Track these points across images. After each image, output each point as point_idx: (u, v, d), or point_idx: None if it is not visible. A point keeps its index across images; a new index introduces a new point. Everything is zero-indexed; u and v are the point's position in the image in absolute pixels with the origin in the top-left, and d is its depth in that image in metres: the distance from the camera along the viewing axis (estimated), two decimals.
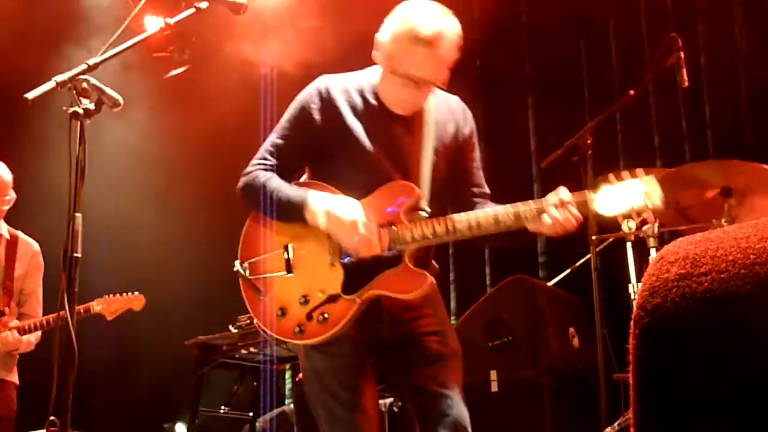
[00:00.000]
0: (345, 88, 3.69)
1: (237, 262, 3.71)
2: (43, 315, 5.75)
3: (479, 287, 7.34)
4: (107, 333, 7.26)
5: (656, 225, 5.27)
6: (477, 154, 3.85)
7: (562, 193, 3.47)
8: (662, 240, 5.37)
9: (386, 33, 3.56)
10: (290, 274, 3.61)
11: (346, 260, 3.56)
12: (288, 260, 3.61)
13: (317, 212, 3.52)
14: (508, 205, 3.55)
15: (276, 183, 3.61)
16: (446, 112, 3.78)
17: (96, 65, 3.37)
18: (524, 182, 7.58)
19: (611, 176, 3.55)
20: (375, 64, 3.69)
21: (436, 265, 3.88)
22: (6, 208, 5.64)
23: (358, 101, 3.66)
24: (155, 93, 8.70)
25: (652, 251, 5.26)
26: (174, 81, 8.79)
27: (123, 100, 3.34)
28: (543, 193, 7.43)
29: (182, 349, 6.88)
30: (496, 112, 7.94)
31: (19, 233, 5.80)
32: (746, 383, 0.96)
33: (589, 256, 5.38)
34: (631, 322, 1.06)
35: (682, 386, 1.00)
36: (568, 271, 6.36)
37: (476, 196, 3.80)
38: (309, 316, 3.53)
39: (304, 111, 3.67)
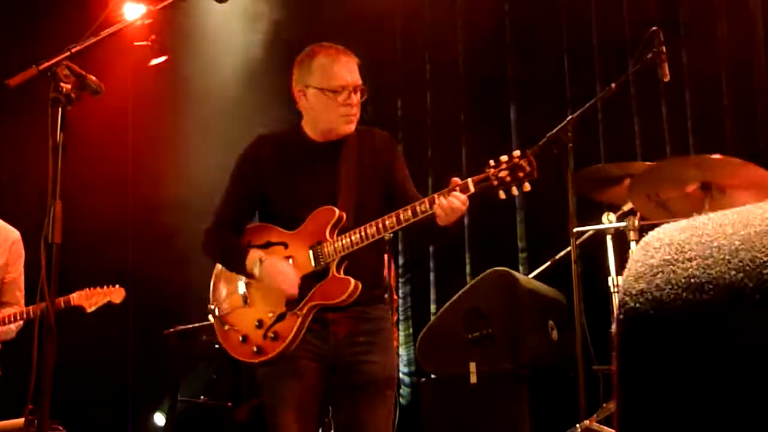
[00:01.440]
0: (272, 140, 4.25)
1: (209, 305, 4.29)
2: (26, 302, 5.71)
3: (459, 279, 7.35)
4: (86, 322, 7.24)
5: (637, 218, 5.30)
6: (404, 171, 4.27)
7: (451, 183, 3.81)
8: (642, 233, 5.40)
9: (305, 77, 4.11)
10: (247, 306, 4.15)
11: None
12: (244, 295, 4.16)
13: (252, 266, 4.05)
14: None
15: (223, 243, 4.21)
16: (367, 141, 4.23)
17: (77, 51, 3.36)
18: None
19: (490, 161, 3.78)
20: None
21: (386, 284, 4.36)
22: None
23: (283, 149, 4.19)
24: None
25: (632, 244, 5.29)
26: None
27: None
28: None
29: (162, 338, 6.87)
30: (477, 103, 7.95)
31: None
32: (731, 368, 0.96)
33: (569, 249, 5.39)
34: (615, 307, 1.06)
35: (666, 371, 1.00)
36: (548, 263, 6.37)
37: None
38: (264, 336, 4.04)
39: (239, 170, 4.25)
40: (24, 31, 7.94)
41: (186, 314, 7.16)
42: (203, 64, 8.68)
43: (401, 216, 3.82)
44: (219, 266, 4.33)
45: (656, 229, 1.11)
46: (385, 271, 4.34)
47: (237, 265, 4.11)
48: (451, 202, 3.71)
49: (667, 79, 5.27)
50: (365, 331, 4.05)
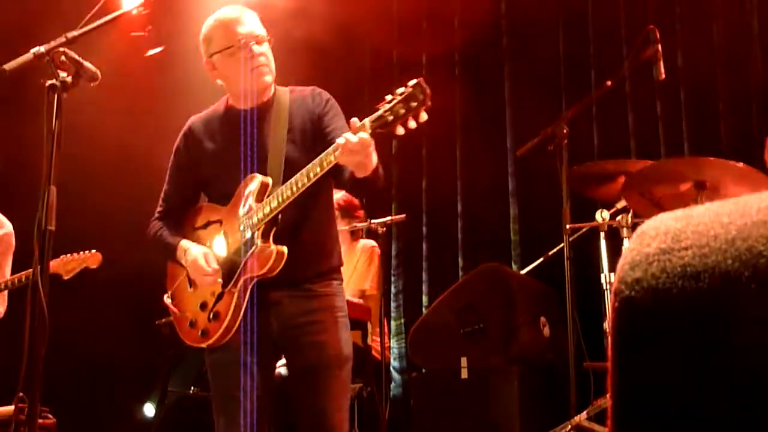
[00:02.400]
0: (203, 118, 4.17)
1: (165, 295, 4.20)
2: (14, 296, 5.69)
3: (452, 274, 7.36)
4: (77, 311, 7.24)
5: (630, 215, 5.31)
6: (339, 121, 3.99)
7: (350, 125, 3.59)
8: (635, 230, 5.40)
9: (207, 46, 4.04)
10: (192, 289, 4.05)
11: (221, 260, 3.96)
12: (188, 278, 4.06)
13: (182, 260, 4.01)
14: None
15: (160, 235, 4.15)
16: (297, 100, 4.08)
17: (74, 38, 3.36)
18: (500, 171, 7.61)
19: (386, 97, 3.49)
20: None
21: (337, 259, 4.11)
22: None
23: (211, 124, 4.12)
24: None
25: (625, 242, 5.30)
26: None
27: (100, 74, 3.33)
28: (519, 181, 7.48)
29: (153, 328, 6.85)
30: (472, 100, 7.95)
31: None
32: (727, 357, 0.96)
33: (562, 245, 5.40)
34: (610, 299, 1.06)
35: (661, 360, 1.00)
36: (540, 260, 6.38)
37: None
38: (208, 318, 3.93)
39: (176, 154, 4.19)
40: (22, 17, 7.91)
41: None
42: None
43: (309, 171, 3.64)
44: None
45: (652, 218, 1.11)
46: (337, 246, 4.12)
47: (171, 257, 4.09)
48: (348, 145, 3.45)
49: (662, 77, 5.28)
50: (310, 310, 3.90)
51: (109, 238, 8.26)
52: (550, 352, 6.00)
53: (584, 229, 5.76)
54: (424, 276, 7.88)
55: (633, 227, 5.32)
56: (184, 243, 4.02)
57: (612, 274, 5.35)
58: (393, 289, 8.04)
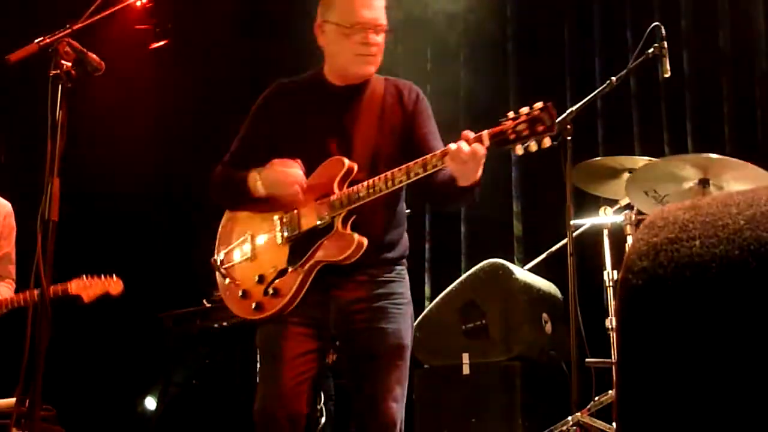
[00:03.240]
0: (295, 86, 4.03)
1: (213, 257, 4.06)
2: (20, 279, 5.67)
3: (454, 270, 7.35)
4: (77, 304, 7.23)
5: (634, 212, 5.30)
6: (431, 127, 3.97)
7: (462, 135, 3.52)
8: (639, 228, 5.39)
9: (324, 11, 3.88)
10: (250, 260, 3.94)
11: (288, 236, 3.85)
12: (250, 247, 3.95)
13: (256, 179, 3.81)
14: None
15: (227, 173, 3.97)
16: (392, 92, 3.98)
17: (78, 28, 3.35)
18: (503, 167, 7.60)
19: (509, 113, 3.50)
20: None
21: (405, 243, 4.03)
22: None
23: (302, 93, 3.98)
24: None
25: (629, 239, 5.29)
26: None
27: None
28: (522, 177, 7.46)
29: (156, 321, 6.86)
30: (476, 95, 7.94)
31: None
32: (734, 346, 0.96)
33: (565, 241, 5.39)
34: (618, 285, 1.05)
35: (668, 349, 0.99)
36: (543, 256, 6.37)
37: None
38: (265, 292, 3.83)
39: (257, 113, 4.04)
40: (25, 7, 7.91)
41: (180, 298, 7.16)
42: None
43: (411, 170, 3.55)
44: (226, 216, 4.10)
45: (660, 208, 1.11)
46: (404, 235, 4.02)
47: (241, 193, 3.87)
48: (464, 156, 3.41)
49: (667, 74, 5.28)
50: (372, 297, 3.81)
51: (110, 227, 8.28)
52: (552, 349, 5.99)
53: (587, 226, 5.75)
54: (426, 272, 7.87)
55: (637, 224, 5.31)
56: (256, 170, 3.84)
57: (615, 272, 5.34)
58: None
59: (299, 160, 3.82)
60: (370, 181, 3.66)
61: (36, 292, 5.30)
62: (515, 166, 7.60)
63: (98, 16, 3.49)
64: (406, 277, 3.99)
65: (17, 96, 7.45)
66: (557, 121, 5.12)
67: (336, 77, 3.94)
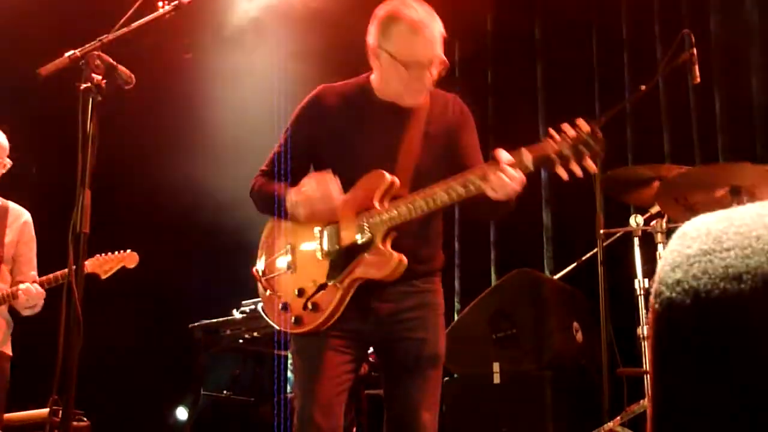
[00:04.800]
0: (339, 94, 3.96)
1: (255, 266, 4.03)
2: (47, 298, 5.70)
3: (484, 279, 7.34)
4: (111, 314, 7.27)
5: (665, 221, 5.27)
6: (473, 141, 3.98)
7: (499, 155, 3.47)
8: (670, 236, 5.37)
9: (381, 38, 3.78)
10: (291, 272, 3.91)
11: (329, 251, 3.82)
12: (290, 259, 3.92)
13: (292, 195, 3.80)
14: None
15: (267, 185, 3.95)
16: (439, 105, 3.95)
17: (109, 42, 3.37)
18: (533, 175, 7.57)
19: (550, 130, 3.43)
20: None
21: (441, 256, 4.04)
22: (2, 171, 5.58)
23: (349, 103, 3.92)
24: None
25: (660, 247, 5.26)
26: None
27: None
28: (552, 186, 7.44)
29: (186, 332, 6.89)
30: (505, 103, 7.93)
31: (9, 203, 5.73)
32: None
33: (595, 250, 5.37)
34: (651, 297, 1.04)
35: (702, 362, 0.99)
36: (574, 264, 6.35)
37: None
38: (305, 307, 3.80)
39: (299, 119, 3.98)
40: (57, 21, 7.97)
41: (211, 309, 7.18)
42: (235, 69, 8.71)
43: (452, 189, 3.53)
44: (269, 226, 4.05)
45: (693, 219, 1.10)
46: (440, 247, 4.02)
47: (279, 210, 3.85)
48: (504, 181, 3.38)
49: (697, 81, 5.26)
50: (410, 307, 3.81)
51: (141, 239, 8.32)
52: (583, 358, 5.97)
53: (618, 234, 5.72)
54: (456, 281, 7.87)
55: (667, 233, 5.28)
56: (294, 193, 3.80)
57: (646, 280, 5.31)
58: None
59: (337, 174, 3.79)
60: (411, 199, 3.64)
61: (59, 274, 5.36)
62: (545, 174, 7.58)
63: (128, 29, 3.51)
64: (441, 288, 3.99)
65: (51, 109, 7.50)
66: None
67: (384, 93, 3.89)
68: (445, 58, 3.79)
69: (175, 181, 8.64)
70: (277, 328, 3.92)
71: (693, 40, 5.24)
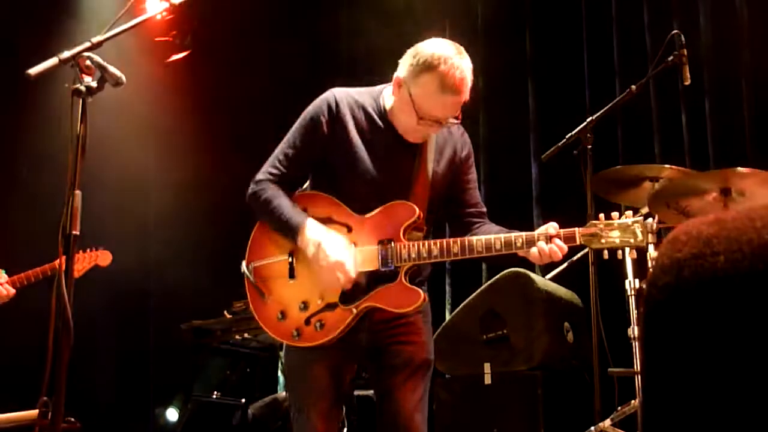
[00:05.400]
0: (354, 103, 3.83)
1: (243, 264, 3.90)
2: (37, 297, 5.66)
3: (474, 280, 7.34)
4: (100, 315, 7.26)
5: (655, 221, 5.28)
6: (473, 175, 4.02)
7: (551, 228, 3.60)
8: (660, 237, 5.37)
9: (411, 76, 3.68)
10: (292, 280, 3.80)
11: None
12: (291, 266, 3.80)
13: (309, 242, 3.69)
14: (501, 233, 3.70)
15: (278, 201, 3.77)
16: (446, 137, 3.94)
17: (99, 43, 3.36)
18: (524, 175, 7.59)
19: (601, 216, 3.62)
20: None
21: (429, 267, 4.04)
22: None
23: (365, 119, 3.81)
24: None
25: (650, 247, 5.26)
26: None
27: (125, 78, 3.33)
28: (543, 186, 7.44)
29: (176, 333, 6.87)
30: (497, 105, 7.94)
31: None
32: (760, 363, 0.95)
33: (586, 250, 5.37)
34: (642, 300, 1.05)
35: (693, 365, 0.99)
36: (564, 265, 6.35)
37: (473, 215, 3.97)
38: (307, 321, 3.75)
39: (312, 123, 3.81)
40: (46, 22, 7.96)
41: (201, 310, 7.16)
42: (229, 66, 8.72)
43: (494, 244, 3.59)
44: (261, 225, 3.93)
45: (684, 223, 1.10)
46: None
47: (288, 233, 3.74)
48: (553, 251, 3.52)
49: (688, 82, 5.27)
50: (401, 313, 3.79)
51: (132, 239, 8.31)
52: (573, 358, 5.97)
53: None
54: (447, 281, 7.86)
55: (657, 233, 5.28)
56: (314, 228, 3.71)
57: (636, 281, 5.32)
58: None
59: (344, 186, 3.80)
60: (445, 244, 3.66)
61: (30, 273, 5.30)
62: (536, 175, 7.59)
63: (119, 30, 3.50)
64: (427, 297, 3.95)
65: (39, 110, 7.49)
66: (576, 131, 5.15)
67: (394, 120, 3.81)
68: (458, 118, 3.76)
69: (166, 178, 8.64)
70: (271, 335, 3.86)
71: (683, 41, 5.24)
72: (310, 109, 3.87)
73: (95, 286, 5.71)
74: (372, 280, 3.72)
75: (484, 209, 4.01)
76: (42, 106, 7.11)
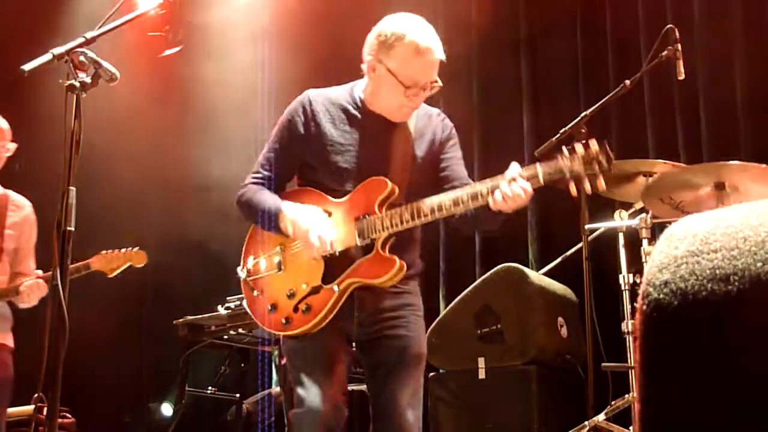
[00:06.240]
0: (327, 101, 4.00)
1: (239, 269, 4.05)
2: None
3: (469, 275, 7.33)
4: (95, 311, 7.25)
5: (649, 216, 5.29)
6: (456, 153, 4.07)
7: (512, 168, 3.60)
8: (654, 232, 5.38)
9: (384, 54, 3.84)
10: (280, 272, 3.93)
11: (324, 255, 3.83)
12: (279, 259, 3.94)
13: (287, 222, 3.83)
14: (468, 185, 3.74)
15: (258, 196, 3.95)
16: (426, 121, 4.03)
17: (93, 38, 3.36)
18: None
19: (564, 149, 3.53)
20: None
21: (420, 262, 4.10)
22: (6, 155, 5.43)
23: (340, 112, 3.97)
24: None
25: (645, 242, 5.27)
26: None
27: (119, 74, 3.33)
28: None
29: (171, 328, 6.87)
30: (490, 101, 7.93)
31: (10, 192, 5.58)
32: (757, 360, 0.95)
33: (580, 245, 5.38)
34: (639, 299, 1.05)
35: (690, 362, 0.99)
36: (558, 260, 6.36)
37: (459, 188, 3.91)
38: (295, 308, 3.84)
39: (289, 124, 3.99)
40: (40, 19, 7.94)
41: (195, 305, 7.16)
42: (216, 54, 8.69)
43: (460, 198, 3.61)
44: (254, 226, 4.06)
45: (680, 220, 1.10)
46: (419, 249, 4.08)
47: (270, 222, 3.88)
48: (516, 192, 3.49)
49: (682, 76, 5.27)
50: (391, 308, 3.88)
51: (126, 236, 8.30)
52: (567, 353, 5.98)
53: (602, 230, 5.74)
54: (441, 277, 7.86)
55: (652, 228, 5.30)
56: (288, 208, 3.84)
57: (630, 275, 5.34)
58: None
59: (326, 180, 3.91)
60: (416, 206, 3.70)
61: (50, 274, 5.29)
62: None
63: (113, 26, 3.50)
64: (419, 292, 4.06)
65: (34, 105, 7.48)
66: (570, 126, 5.15)
67: (374, 106, 3.95)
68: (439, 81, 3.85)
69: (160, 174, 8.63)
70: (265, 329, 3.97)
71: (677, 35, 5.24)
72: (286, 111, 4.04)
73: (90, 282, 5.67)
74: (351, 258, 3.81)
75: (471, 182, 3.98)
76: (36, 101, 7.11)
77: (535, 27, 7.88)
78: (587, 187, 3.43)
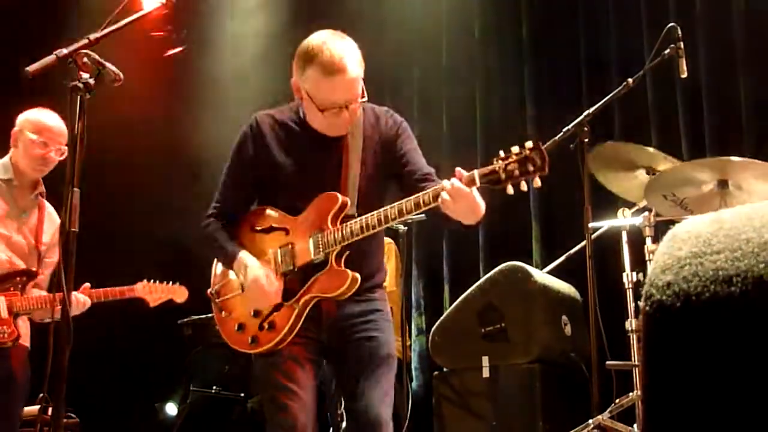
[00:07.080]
0: (273, 122, 4.03)
1: (209, 290, 4.16)
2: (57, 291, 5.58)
3: (472, 274, 7.34)
4: (99, 310, 7.25)
5: (653, 215, 5.29)
6: (410, 145, 4.03)
7: (455, 173, 3.54)
8: (658, 230, 5.38)
9: (299, 76, 3.82)
10: (243, 292, 3.97)
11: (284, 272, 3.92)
12: (241, 280, 3.97)
13: (238, 269, 3.95)
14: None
15: (216, 236, 4.04)
16: (372, 123, 4.02)
17: (97, 40, 3.37)
18: None
19: (500, 152, 3.50)
20: None
21: (385, 270, 4.17)
22: (59, 158, 5.36)
23: (285, 132, 4.00)
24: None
25: (648, 241, 5.28)
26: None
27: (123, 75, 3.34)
28: (540, 180, 7.43)
29: (175, 328, 6.87)
30: (493, 99, 7.94)
31: (47, 204, 5.55)
32: (759, 361, 0.96)
33: (584, 244, 5.38)
34: (642, 300, 1.05)
35: (693, 364, 1.00)
36: (562, 258, 6.36)
37: (420, 180, 3.93)
38: (260, 327, 3.90)
39: (238, 149, 4.04)
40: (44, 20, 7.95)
41: (200, 304, 7.17)
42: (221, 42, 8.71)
43: (404, 207, 3.61)
44: None
45: (683, 222, 1.11)
46: (384, 258, 4.17)
47: (228, 263, 4.01)
48: (454, 194, 3.45)
49: (684, 75, 5.28)
50: (358, 313, 3.92)
51: (132, 236, 8.31)
52: (571, 351, 5.98)
53: (606, 228, 5.74)
54: (445, 275, 7.87)
55: (655, 227, 5.31)
56: (244, 256, 3.94)
57: (634, 273, 5.34)
58: (414, 288, 8.04)
59: (282, 203, 3.97)
60: (364, 218, 3.72)
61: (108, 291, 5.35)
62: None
63: (116, 27, 3.51)
64: (386, 298, 4.10)
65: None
66: (573, 125, 5.16)
67: (314, 123, 3.93)
68: (363, 95, 3.81)
69: (166, 179, 8.63)
70: (235, 348, 4.01)
71: (679, 33, 5.25)
72: (236, 138, 4.07)
73: (94, 282, 5.68)
74: (311, 274, 3.86)
75: (431, 170, 4.01)
76: (42, 103, 7.10)
77: (538, 23, 7.88)
78: (523, 186, 3.45)
